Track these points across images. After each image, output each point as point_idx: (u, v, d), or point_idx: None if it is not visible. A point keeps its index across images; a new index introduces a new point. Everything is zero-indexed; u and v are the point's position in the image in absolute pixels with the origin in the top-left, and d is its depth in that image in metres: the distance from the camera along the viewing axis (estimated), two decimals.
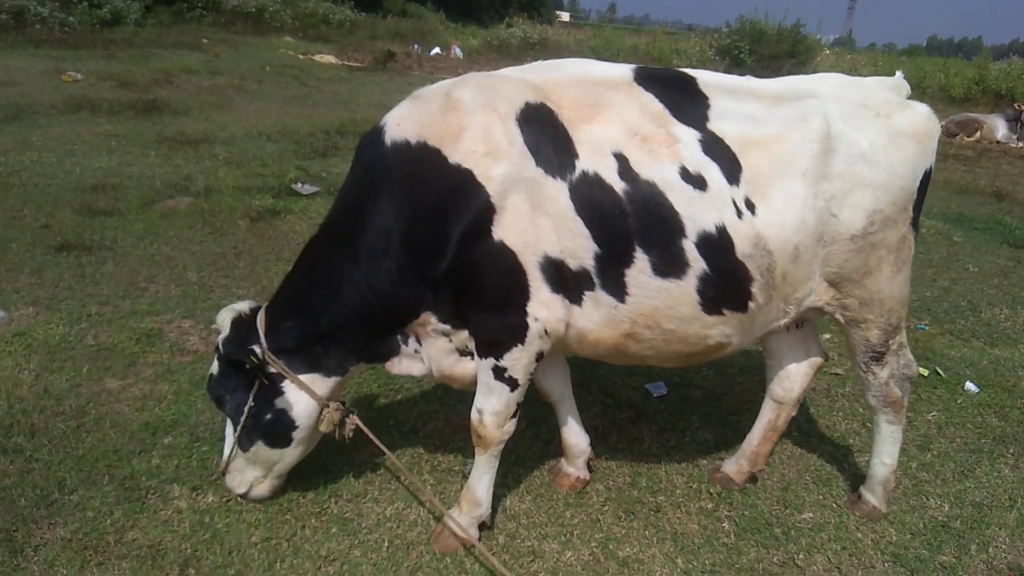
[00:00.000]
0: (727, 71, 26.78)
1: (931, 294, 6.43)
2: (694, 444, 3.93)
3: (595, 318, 2.77)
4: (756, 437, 3.54)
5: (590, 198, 2.62)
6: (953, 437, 4.21)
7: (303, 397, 2.95)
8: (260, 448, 3.03)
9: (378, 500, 3.31)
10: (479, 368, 2.87)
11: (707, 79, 2.93)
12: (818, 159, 2.76)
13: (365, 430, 3.10)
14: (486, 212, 2.58)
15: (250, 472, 3.12)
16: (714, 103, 2.82)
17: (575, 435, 3.46)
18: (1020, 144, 16.74)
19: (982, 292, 6.59)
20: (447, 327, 2.84)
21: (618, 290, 2.71)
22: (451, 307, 2.78)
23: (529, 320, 2.70)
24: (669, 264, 2.68)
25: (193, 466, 3.41)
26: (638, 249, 2.67)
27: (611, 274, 2.69)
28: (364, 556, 2.98)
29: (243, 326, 3.00)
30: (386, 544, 3.05)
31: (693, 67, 16.33)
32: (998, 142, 16.79)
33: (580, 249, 2.64)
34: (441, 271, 2.66)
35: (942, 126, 17.52)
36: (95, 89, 12.40)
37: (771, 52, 25.61)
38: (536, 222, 2.61)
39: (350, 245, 2.78)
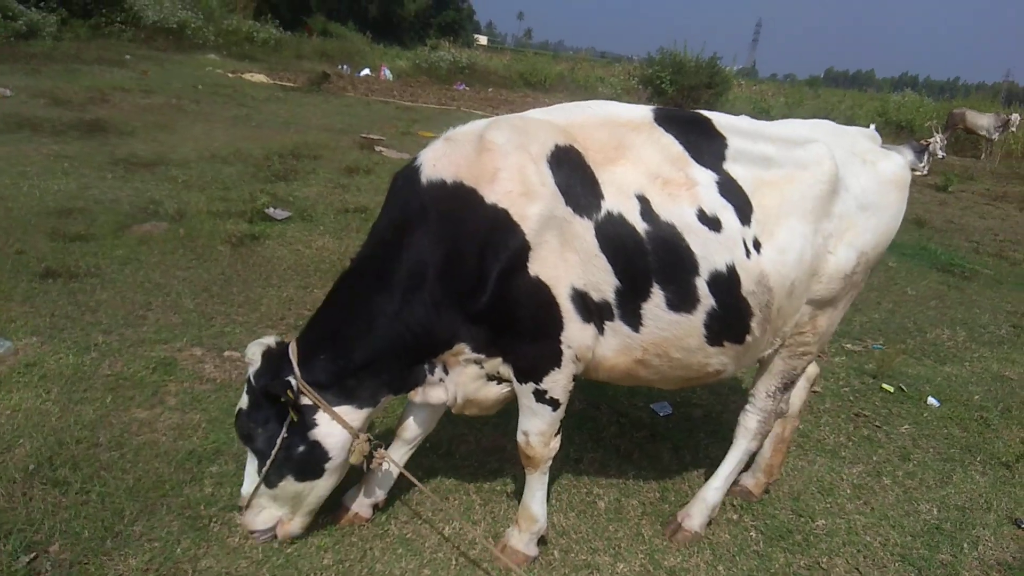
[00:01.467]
0: (650, 100, 27.82)
1: (879, 316, 7.00)
2: (707, 460, 4.23)
3: (612, 346, 2.96)
4: (768, 451, 3.86)
5: (614, 237, 2.80)
6: (927, 448, 4.66)
7: (337, 429, 2.95)
8: (288, 483, 3.00)
9: (434, 521, 3.46)
10: (520, 393, 3.01)
11: (721, 120, 3.17)
12: (825, 200, 3.07)
13: (394, 462, 3.25)
14: (523, 249, 2.71)
15: (273, 509, 3.09)
16: (731, 144, 3.05)
17: (385, 478, 3.39)
18: (926, 173, 18.11)
19: (923, 314, 7.22)
20: (481, 356, 2.94)
21: (634, 321, 2.91)
22: (487, 337, 2.89)
23: (563, 347, 2.86)
24: (682, 300, 2.89)
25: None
26: (655, 285, 2.87)
27: (629, 307, 2.88)
28: (436, 573, 3.13)
29: (274, 359, 3.00)
30: (453, 563, 3.21)
31: (618, 95, 17.12)
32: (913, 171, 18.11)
33: (603, 283, 2.82)
34: (481, 305, 2.77)
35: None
36: (29, 107, 11.95)
37: (690, 83, 26.73)
38: (564, 257, 2.76)
39: (385, 280, 2.85)
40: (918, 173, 13.52)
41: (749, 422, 3.56)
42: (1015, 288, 8.67)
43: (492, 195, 2.72)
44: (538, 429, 3.06)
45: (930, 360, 6.11)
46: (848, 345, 6.22)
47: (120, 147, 10.06)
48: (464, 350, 2.93)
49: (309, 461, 3.00)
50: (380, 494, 3.40)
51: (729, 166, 3.01)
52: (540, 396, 2.97)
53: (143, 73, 18.29)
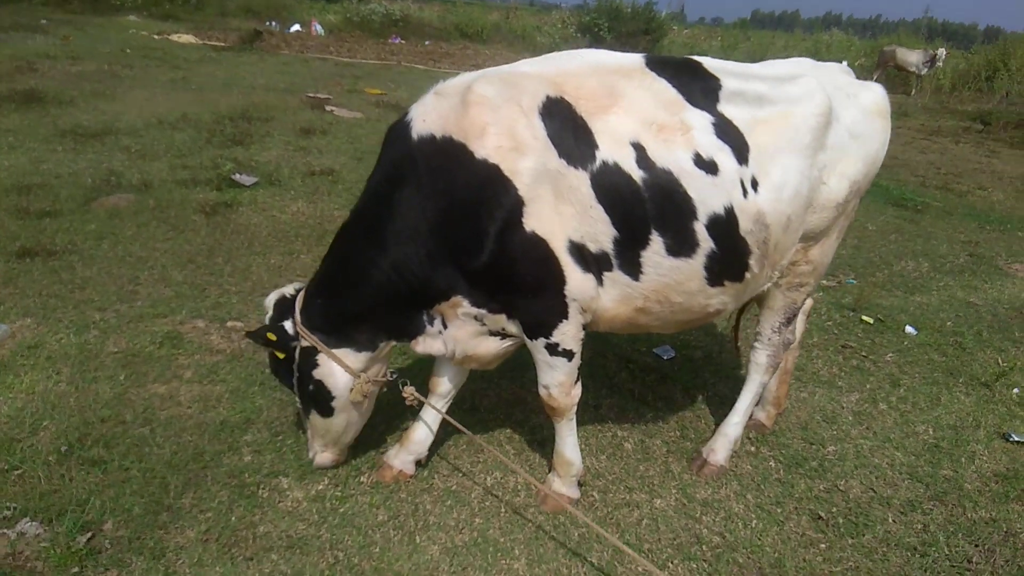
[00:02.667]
0: (589, 47, 27.70)
1: (847, 252, 7.29)
2: (717, 398, 4.41)
3: (612, 296, 2.97)
4: (774, 384, 4.04)
5: (610, 187, 2.78)
6: (913, 373, 4.95)
7: (336, 369, 3.07)
8: (314, 416, 3.21)
9: (475, 473, 3.55)
10: (533, 349, 3.05)
11: (712, 63, 3.17)
12: (820, 132, 3.13)
13: (420, 397, 3.33)
14: (517, 205, 2.70)
15: (315, 440, 3.31)
16: (725, 84, 3.05)
17: (425, 431, 3.50)
18: None
19: (886, 247, 7.55)
20: (481, 311, 2.96)
21: (633, 270, 2.92)
22: (487, 294, 2.91)
23: (568, 300, 2.88)
24: (681, 245, 2.91)
25: (289, 458, 3.49)
26: (654, 233, 2.87)
27: (628, 256, 2.89)
28: (488, 523, 3.23)
29: (284, 306, 3.17)
30: (502, 510, 3.31)
31: (556, 44, 17.11)
32: None
33: (600, 234, 2.82)
34: (479, 263, 2.79)
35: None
36: None
37: (628, 29, 26.73)
38: (559, 210, 2.76)
39: (377, 232, 2.88)
40: None
41: (760, 358, 3.71)
42: (964, 218, 9.11)
43: (482, 150, 2.69)
44: (557, 381, 3.13)
45: (900, 291, 6.42)
46: (824, 281, 6.48)
47: (62, 117, 9.60)
48: (462, 303, 2.94)
49: (318, 398, 3.15)
50: (422, 449, 3.47)
51: (724, 107, 3.03)
52: (553, 349, 3.01)
53: (64, 39, 17.32)
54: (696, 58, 3.17)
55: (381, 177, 2.95)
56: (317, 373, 3.08)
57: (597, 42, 26.94)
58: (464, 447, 3.72)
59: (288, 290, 3.23)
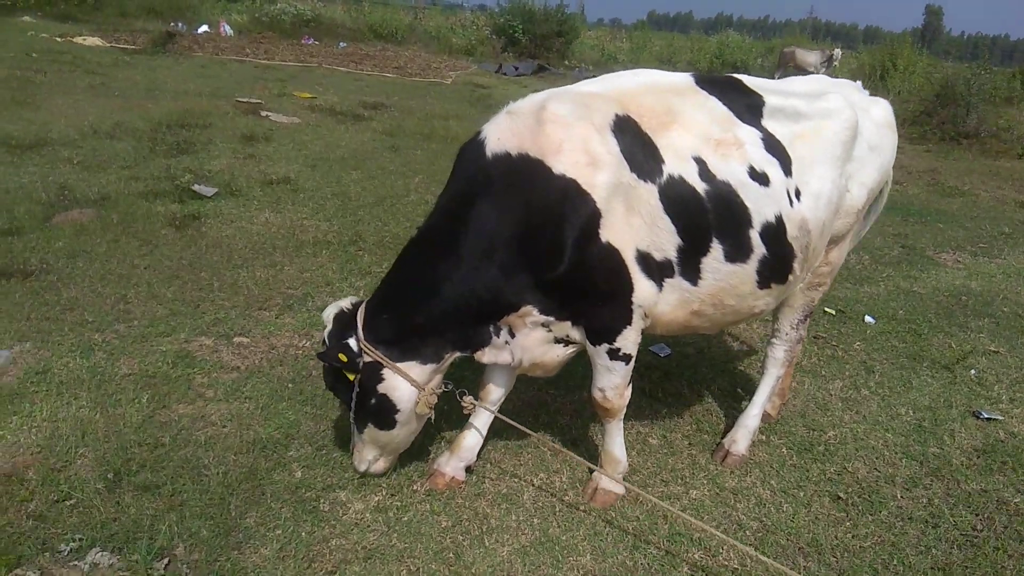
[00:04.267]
0: (504, 50, 27.83)
1: None
2: (720, 391, 4.69)
3: (670, 301, 3.16)
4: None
5: (676, 199, 3.00)
6: (881, 360, 5.37)
7: (401, 383, 3.13)
8: (371, 430, 3.26)
9: (520, 475, 3.69)
10: (595, 354, 3.21)
11: (751, 81, 3.49)
12: (848, 145, 3.47)
13: (481, 404, 3.49)
14: (594, 217, 2.86)
15: (368, 452, 3.36)
16: (767, 101, 3.36)
17: (475, 438, 3.61)
18: None
19: None
20: (549, 319, 3.09)
21: (693, 276, 3.13)
22: (557, 302, 3.04)
23: (634, 307, 3.06)
24: (738, 251, 3.15)
25: (339, 471, 3.53)
26: (714, 240, 3.10)
27: (690, 263, 3.09)
28: (546, 522, 3.37)
29: (344, 320, 3.20)
30: (556, 509, 3.47)
31: (472, 45, 17.22)
32: None
33: (666, 243, 3.02)
34: (557, 273, 2.91)
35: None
36: None
37: (542, 31, 27.13)
38: (629, 221, 2.94)
39: (451, 247, 2.98)
40: None
41: (778, 353, 4.00)
42: (889, 212, 9.73)
43: (559, 165, 2.84)
44: (613, 384, 3.30)
45: (850, 283, 6.90)
46: None
47: None
48: (532, 312, 3.06)
49: (381, 412, 3.20)
50: (472, 456, 3.59)
51: (767, 122, 3.33)
52: (614, 354, 3.18)
53: None
54: (737, 76, 3.42)
55: (454, 193, 3.06)
56: (382, 387, 3.14)
57: (512, 45, 27.28)
58: (503, 451, 3.85)
59: (345, 304, 3.27)
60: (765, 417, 4.36)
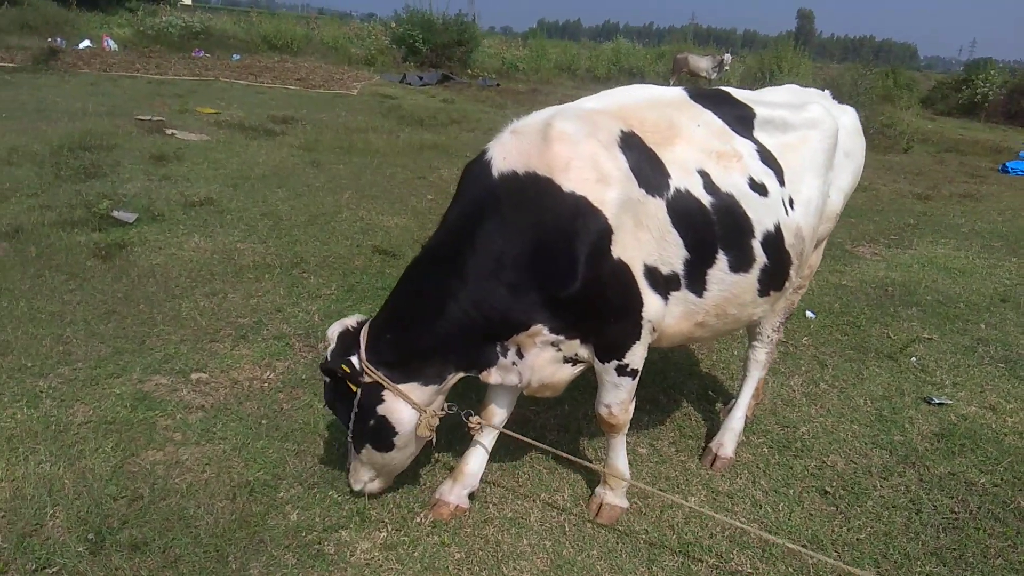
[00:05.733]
0: (405, 60, 27.56)
1: None
2: (693, 395, 4.77)
3: (675, 314, 3.16)
4: None
5: (683, 212, 3.01)
6: (830, 353, 5.59)
7: (402, 405, 3.06)
8: (369, 451, 3.19)
9: (522, 496, 3.62)
10: (603, 371, 3.18)
11: (738, 93, 3.59)
12: (830, 153, 3.61)
13: (488, 424, 3.44)
14: (606, 233, 2.83)
15: (364, 472, 3.31)
16: (758, 113, 3.46)
17: (478, 464, 3.53)
18: None
19: None
20: (559, 337, 3.03)
21: (699, 288, 3.15)
22: (568, 321, 2.98)
23: (643, 322, 3.04)
24: (741, 261, 3.20)
25: (336, 510, 3.38)
26: (720, 252, 3.13)
27: (696, 275, 3.11)
28: (558, 543, 3.32)
29: (348, 339, 3.12)
30: (566, 528, 3.42)
31: (371, 55, 17.22)
32: None
33: (673, 257, 3.03)
34: (570, 291, 2.85)
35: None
36: None
37: (442, 40, 27.06)
38: (638, 236, 2.93)
39: (457, 266, 2.91)
40: None
41: (759, 355, 4.10)
42: None
43: (569, 183, 2.81)
44: (619, 400, 3.28)
45: None
46: None
47: None
48: (542, 331, 3.01)
49: (380, 434, 3.12)
50: (475, 482, 3.50)
51: (758, 134, 3.42)
52: (622, 370, 3.16)
53: None
54: (724, 88, 3.47)
55: (460, 213, 2.99)
56: (382, 409, 3.06)
57: (413, 54, 27.09)
58: (499, 472, 3.77)
59: (350, 322, 3.18)
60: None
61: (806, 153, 3.47)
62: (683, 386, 4.89)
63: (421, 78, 23.17)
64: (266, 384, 4.42)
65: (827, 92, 4.10)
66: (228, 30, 28.06)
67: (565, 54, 31.14)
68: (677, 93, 3.36)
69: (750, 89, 3.92)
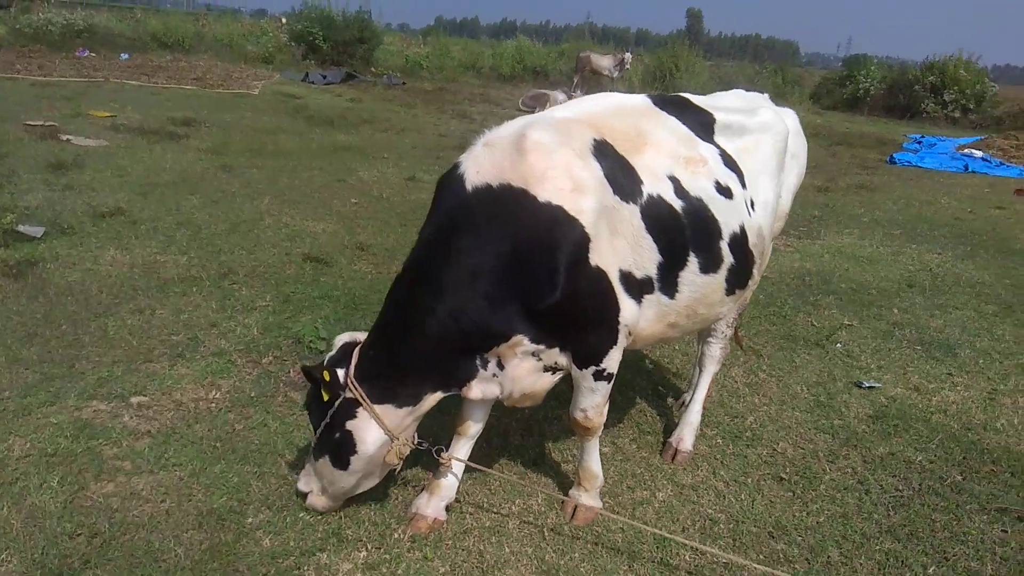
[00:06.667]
0: (304, 57, 26.93)
1: None
2: (644, 391, 4.89)
3: (649, 316, 3.19)
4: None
5: (656, 217, 3.05)
6: (764, 343, 5.82)
7: (373, 426, 3.03)
8: (325, 463, 3.15)
9: (496, 505, 3.61)
10: (580, 377, 3.20)
11: (695, 99, 3.70)
12: (782, 155, 3.79)
13: (464, 461, 3.46)
14: (583, 243, 2.84)
15: (313, 481, 3.29)
16: (717, 118, 3.57)
17: (453, 476, 3.50)
18: None
19: None
20: (540, 347, 3.02)
21: (671, 290, 3.20)
22: (548, 330, 2.98)
23: (620, 327, 3.07)
24: (710, 263, 3.27)
25: (310, 533, 3.27)
26: (691, 254, 3.20)
27: (668, 278, 3.16)
28: (538, 550, 3.33)
29: (346, 351, 3.11)
30: (544, 534, 3.43)
31: (269, 53, 17.02)
32: None
33: (647, 261, 3.07)
34: (550, 301, 2.84)
35: (520, 102, 20.51)
36: None
37: (344, 38, 26.58)
38: (613, 244, 2.95)
39: (433, 281, 2.91)
40: None
41: (714, 351, 4.23)
42: None
43: (544, 194, 2.80)
44: (595, 403, 3.31)
45: None
46: None
47: None
48: (522, 341, 3.00)
49: (340, 448, 3.09)
50: (452, 494, 3.47)
51: (719, 139, 3.54)
52: (599, 375, 3.19)
53: None
54: (682, 95, 3.56)
55: (435, 228, 2.96)
56: (350, 424, 3.03)
57: (313, 52, 26.49)
58: (470, 481, 3.74)
59: (360, 336, 3.16)
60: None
61: (760, 156, 3.60)
62: (633, 382, 4.98)
63: (324, 76, 22.70)
64: (213, 405, 4.23)
65: (766, 95, 4.26)
66: (113, 28, 26.72)
67: (468, 52, 31.11)
68: (641, 101, 3.42)
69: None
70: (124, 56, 23.22)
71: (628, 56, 26.62)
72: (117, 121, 12.55)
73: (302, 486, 3.33)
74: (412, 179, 10.38)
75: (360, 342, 3.11)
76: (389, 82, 23.78)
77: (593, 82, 27.68)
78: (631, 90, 26.72)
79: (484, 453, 4.00)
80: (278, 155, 11.08)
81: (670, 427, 4.44)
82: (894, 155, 16.22)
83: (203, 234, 7.14)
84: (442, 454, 3.32)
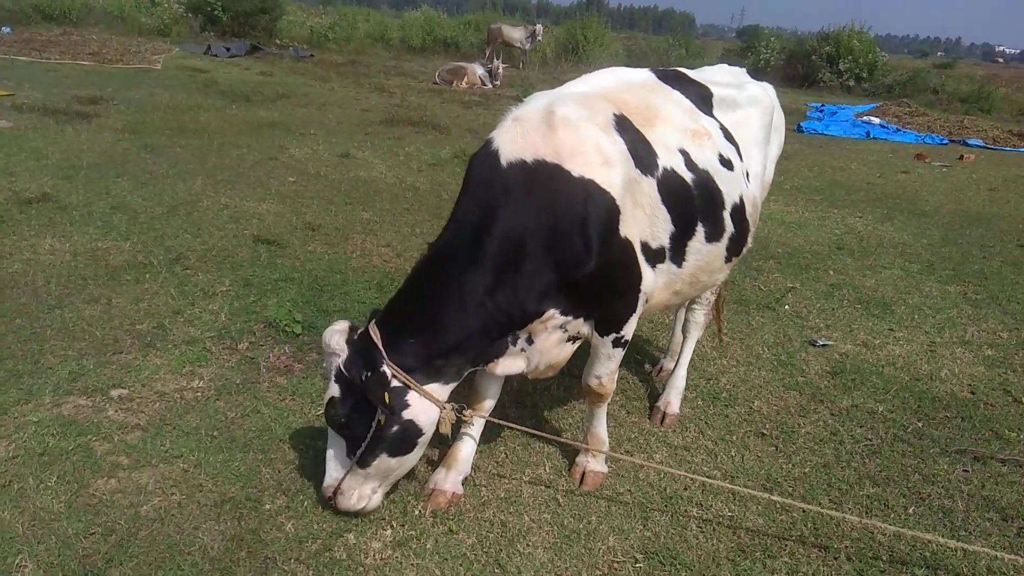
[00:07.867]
0: (203, 28, 25.79)
1: None
2: (630, 360, 5.00)
3: (659, 284, 3.31)
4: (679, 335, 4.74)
5: (671, 189, 3.18)
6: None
7: (427, 406, 3.03)
8: (382, 460, 3.05)
9: (508, 475, 3.68)
10: (600, 344, 3.29)
11: (690, 73, 3.84)
12: (768, 128, 3.98)
13: (488, 417, 3.52)
14: (614, 214, 2.94)
15: (367, 486, 3.15)
16: (715, 92, 3.71)
17: (469, 449, 3.58)
18: (496, 85, 20.47)
19: None
20: (568, 318, 3.10)
21: (679, 258, 3.33)
22: (578, 301, 3.06)
23: (641, 296, 3.20)
24: (715, 231, 3.42)
25: (330, 515, 3.25)
26: (699, 224, 3.33)
27: (678, 247, 3.29)
28: (556, 516, 3.43)
29: (362, 346, 2.99)
30: (559, 500, 3.53)
31: (165, 25, 16.51)
32: (482, 85, 20.24)
33: (661, 231, 3.19)
34: (586, 272, 2.93)
35: (437, 75, 20.25)
36: None
37: (244, 9, 25.57)
38: (635, 215, 3.06)
39: (477, 260, 2.89)
40: (489, 88, 15.64)
41: (698, 317, 4.40)
42: None
43: (577, 168, 2.88)
44: (610, 370, 3.43)
45: None
46: None
47: None
48: (554, 315, 3.05)
49: (404, 439, 3.05)
50: (467, 467, 3.52)
51: (717, 112, 3.68)
52: (617, 342, 3.30)
53: None
54: (679, 69, 3.67)
55: (471, 205, 2.96)
56: (408, 413, 2.98)
57: (212, 23, 25.41)
58: (478, 455, 3.78)
59: (340, 327, 3.03)
60: (669, 373, 4.76)
61: (751, 129, 3.77)
62: None
63: (228, 49, 21.80)
64: (199, 394, 4.12)
65: (744, 70, 4.42)
66: None
67: (374, 23, 30.45)
68: (646, 75, 3.52)
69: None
70: (6, 30, 21.61)
71: (539, 28, 26.67)
72: (17, 100, 11.74)
73: (355, 504, 3.16)
74: (346, 156, 10.19)
75: (359, 335, 3.02)
76: (296, 54, 23.05)
77: (505, 55, 27.63)
78: (545, 62, 26.88)
79: (489, 428, 4.07)
80: (200, 133, 10.65)
81: (654, 393, 4.62)
82: (801, 124, 16.98)
83: (141, 218, 6.83)
84: (464, 411, 3.29)
